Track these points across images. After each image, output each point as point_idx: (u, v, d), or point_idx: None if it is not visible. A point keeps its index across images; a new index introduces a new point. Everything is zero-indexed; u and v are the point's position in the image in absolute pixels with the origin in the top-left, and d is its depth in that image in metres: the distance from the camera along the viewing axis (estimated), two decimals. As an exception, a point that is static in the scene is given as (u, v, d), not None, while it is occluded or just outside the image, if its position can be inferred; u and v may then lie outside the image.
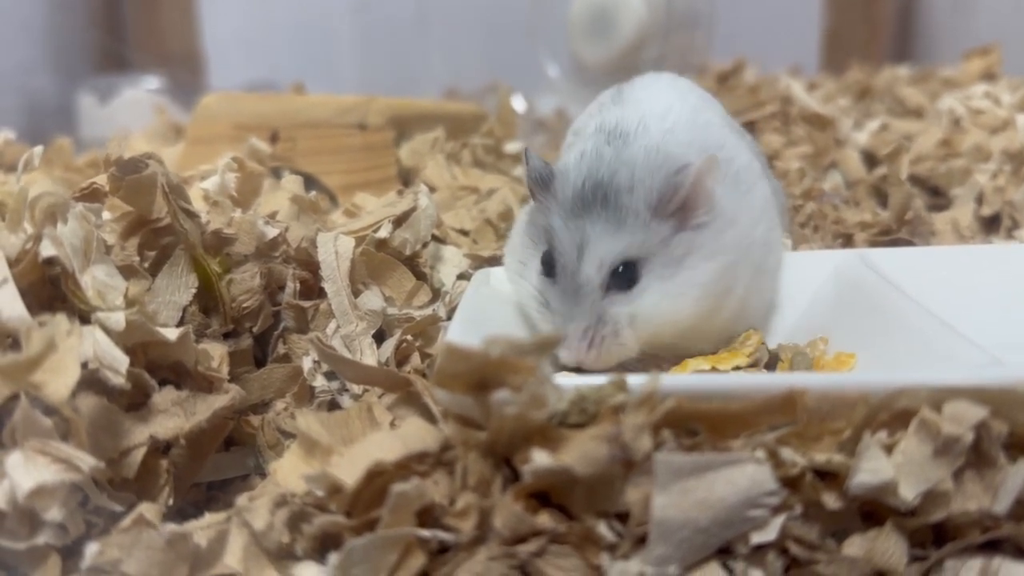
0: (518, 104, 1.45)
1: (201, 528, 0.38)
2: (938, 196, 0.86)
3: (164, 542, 0.37)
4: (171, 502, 0.43)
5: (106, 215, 0.51)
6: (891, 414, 0.36)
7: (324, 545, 0.37)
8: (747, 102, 0.99)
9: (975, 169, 0.85)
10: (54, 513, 0.36)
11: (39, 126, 1.47)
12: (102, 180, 0.48)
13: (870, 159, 0.94)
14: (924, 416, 0.35)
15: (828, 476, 0.36)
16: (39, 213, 0.43)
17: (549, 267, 0.51)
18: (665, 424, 0.35)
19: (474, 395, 0.36)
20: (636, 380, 0.36)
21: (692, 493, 0.34)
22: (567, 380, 0.37)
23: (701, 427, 0.36)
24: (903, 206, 0.65)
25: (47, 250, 0.41)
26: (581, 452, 0.35)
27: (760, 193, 0.56)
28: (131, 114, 1.46)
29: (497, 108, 1.10)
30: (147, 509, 0.37)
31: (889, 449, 0.35)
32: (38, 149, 0.49)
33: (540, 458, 0.35)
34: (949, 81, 1.25)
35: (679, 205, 0.49)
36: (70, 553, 0.39)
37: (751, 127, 0.96)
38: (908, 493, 0.35)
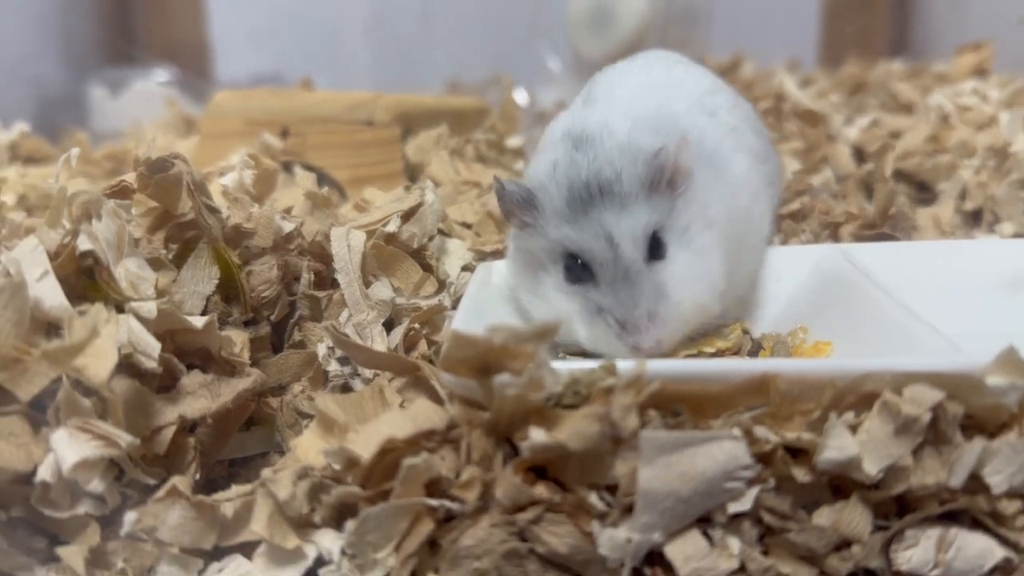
0: (520, 97, 1.49)
1: (228, 499, 0.42)
2: (924, 191, 0.90)
3: (195, 511, 0.41)
4: (198, 477, 0.46)
5: (133, 211, 0.54)
6: (857, 396, 0.39)
7: (341, 514, 0.41)
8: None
9: (960, 165, 0.88)
10: (95, 484, 0.40)
11: (50, 118, 1.50)
12: (130, 178, 0.51)
13: (860, 154, 0.97)
14: (886, 398, 0.38)
15: (799, 452, 0.39)
16: (76, 210, 0.46)
17: (577, 274, 0.51)
18: (650, 405, 0.39)
19: (478, 378, 0.40)
20: (624, 365, 0.39)
21: (675, 467, 0.38)
22: (562, 365, 0.40)
23: (684, 408, 0.40)
24: (887, 202, 0.68)
25: (84, 244, 0.45)
26: (574, 430, 0.38)
27: (737, 168, 0.58)
28: (142, 106, 1.49)
29: (499, 103, 1.13)
30: (179, 481, 0.41)
31: (855, 428, 0.39)
32: (75, 151, 0.52)
33: (537, 435, 0.38)
34: (941, 77, 1.28)
35: (668, 181, 0.51)
36: (107, 523, 0.43)
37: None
38: (871, 468, 0.38)
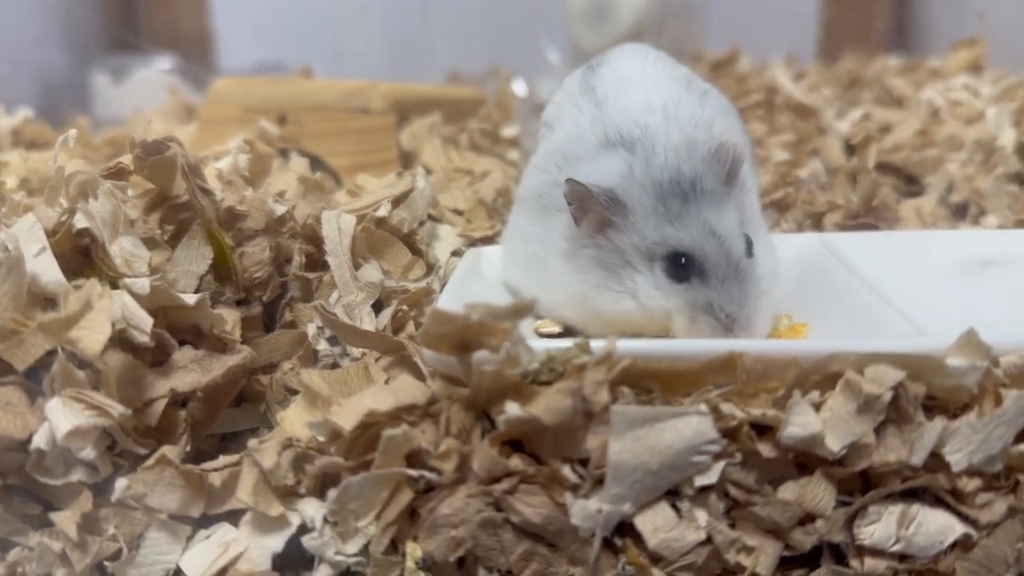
0: (519, 89, 1.50)
1: (216, 468, 0.43)
2: (913, 184, 0.91)
3: (183, 479, 0.42)
4: (188, 449, 0.48)
5: (129, 192, 0.56)
6: (823, 376, 0.41)
7: (325, 484, 0.43)
8: (734, 90, 1.04)
9: (948, 158, 0.89)
10: (87, 452, 0.41)
11: (53, 104, 1.51)
12: (127, 160, 0.53)
13: (851, 147, 0.98)
14: (849, 377, 0.40)
15: (765, 429, 0.41)
16: (73, 189, 0.48)
17: (683, 272, 0.50)
18: (621, 381, 0.40)
19: (457, 355, 0.41)
20: (597, 343, 0.41)
21: (644, 440, 0.39)
22: (538, 343, 0.42)
23: (655, 385, 0.41)
24: (870, 193, 0.69)
25: (80, 222, 0.46)
26: (548, 404, 0.40)
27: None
28: (144, 94, 1.50)
29: (496, 93, 1.15)
30: (169, 451, 0.42)
31: (819, 406, 0.40)
32: (72, 132, 0.53)
33: (512, 409, 0.40)
34: (935, 72, 1.29)
35: (738, 173, 0.52)
36: (100, 491, 0.44)
37: (737, 115, 1.01)
38: (834, 445, 0.40)
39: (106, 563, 0.43)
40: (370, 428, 0.41)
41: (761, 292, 0.50)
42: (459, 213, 0.73)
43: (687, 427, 0.39)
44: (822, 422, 0.39)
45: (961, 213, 0.83)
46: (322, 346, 0.55)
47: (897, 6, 1.81)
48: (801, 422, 0.39)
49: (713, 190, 0.51)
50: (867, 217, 0.69)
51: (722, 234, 0.50)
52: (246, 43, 1.91)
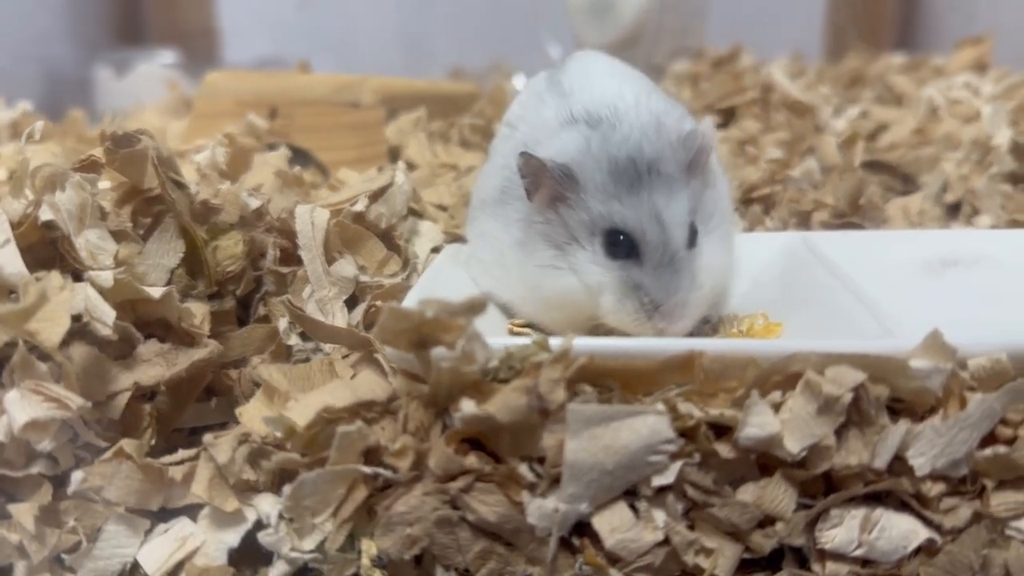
0: (520, 84, 1.49)
1: (175, 462, 0.43)
2: (908, 183, 0.90)
3: (141, 473, 0.42)
4: (153, 442, 0.48)
5: (107, 184, 0.56)
6: (784, 377, 0.40)
7: (283, 480, 0.42)
8: (729, 88, 1.03)
9: (944, 157, 0.88)
10: (45, 444, 0.41)
11: (57, 97, 1.52)
12: (100, 152, 0.53)
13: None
14: (808, 378, 0.39)
15: (724, 430, 0.40)
16: (39, 182, 0.47)
17: (621, 249, 0.50)
18: (578, 379, 0.40)
19: (415, 351, 0.41)
20: (556, 341, 0.40)
21: (600, 439, 0.39)
22: (497, 340, 0.41)
23: (614, 384, 0.41)
24: (855, 192, 0.68)
25: (45, 214, 0.46)
26: (503, 402, 0.39)
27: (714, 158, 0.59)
28: (146, 87, 1.51)
29: (492, 88, 1.14)
30: (127, 444, 0.42)
31: (778, 407, 0.39)
32: (38, 125, 0.53)
33: (467, 407, 0.39)
34: (939, 70, 1.27)
35: (704, 163, 0.52)
36: (60, 483, 0.44)
37: (731, 113, 1.00)
38: (793, 446, 0.39)
39: (64, 556, 0.42)
40: (330, 424, 0.41)
41: (697, 285, 0.50)
42: (443, 209, 0.73)
43: (643, 426, 0.39)
44: (781, 423, 0.39)
45: (954, 212, 0.82)
46: (294, 341, 0.55)
47: (906, 4, 1.79)
48: (759, 423, 0.38)
49: (670, 175, 0.50)
50: (853, 216, 0.68)
51: (666, 220, 0.49)
52: (252, 39, 1.92)
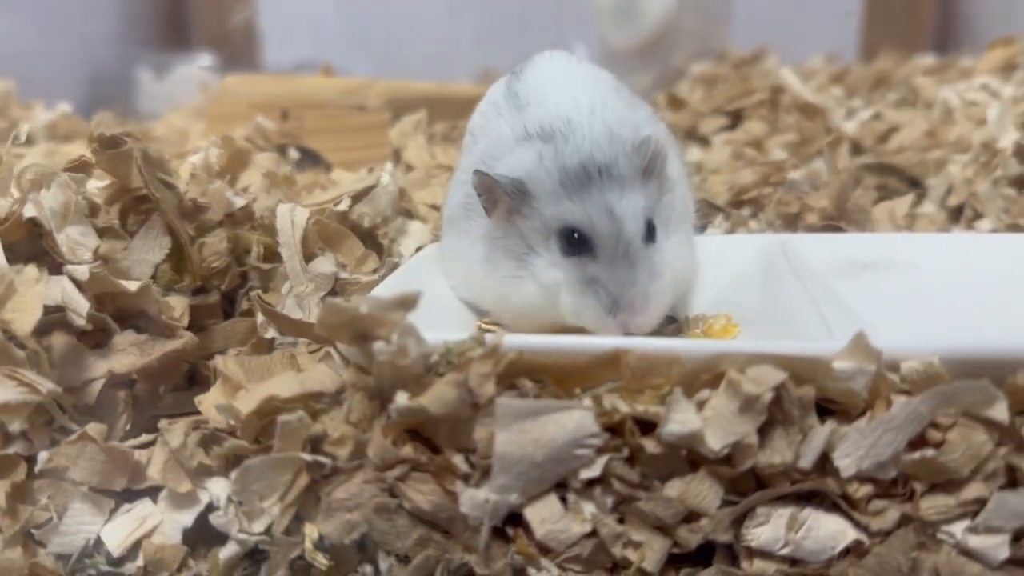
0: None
1: (138, 446, 0.46)
2: (916, 186, 0.89)
3: (105, 455, 0.45)
4: (128, 428, 0.50)
5: (100, 184, 0.59)
6: (713, 376, 0.41)
7: (235, 465, 0.45)
8: (738, 90, 1.02)
9: (951, 160, 0.87)
10: (16, 426, 0.44)
11: (100, 98, 1.58)
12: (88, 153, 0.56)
13: (857, 148, 0.97)
14: (730, 377, 0.40)
15: (652, 426, 0.41)
16: (26, 181, 0.51)
17: (574, 246, 0.51)
18: (509, 374, 0.41)
19: (358, 345, 0.43)
20: (490, 337, 0.42)
21: (528, 433, 0.40)
22: (435, 335, 0.43)
23: (549, 380, 0.42)
24: (841, 194, 0.68)
25: (29, 211, 0.49)
26: (436, 395, 0.41)
27: (677, 161, 0.60)
28: (184, 89, 1.56)
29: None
30: (92, 428, 0.45)
31: (702, 405, 0.40)
32: (25, 127, 0.57)
33: (401, 399, 0.41)
34: (966, 72, 1.25)
35: (660, 169, 0.53)
36: (36, 463, 0.47)
37: (738, 114, 1.00)
38: (715, 443, 0.40)
39: (34, 531, 0.45)
40: (273, 412, 0.43)
41: (656, 278, 0.50)
42: (436, 208, 0.75)
43: (569, 421, 0.40)
44: (703, 420, 0.40)
45: (956, 216, 0.81)
46: (271, 334, 0.57)
47: (944, 4, 1.76)
48: (680, 419, 0.39)
49: (624, 176, 0.51)
50: (839, 219, 0.68)
51: (618, 214, 0.50)
52: (293, 42, 1.97)
